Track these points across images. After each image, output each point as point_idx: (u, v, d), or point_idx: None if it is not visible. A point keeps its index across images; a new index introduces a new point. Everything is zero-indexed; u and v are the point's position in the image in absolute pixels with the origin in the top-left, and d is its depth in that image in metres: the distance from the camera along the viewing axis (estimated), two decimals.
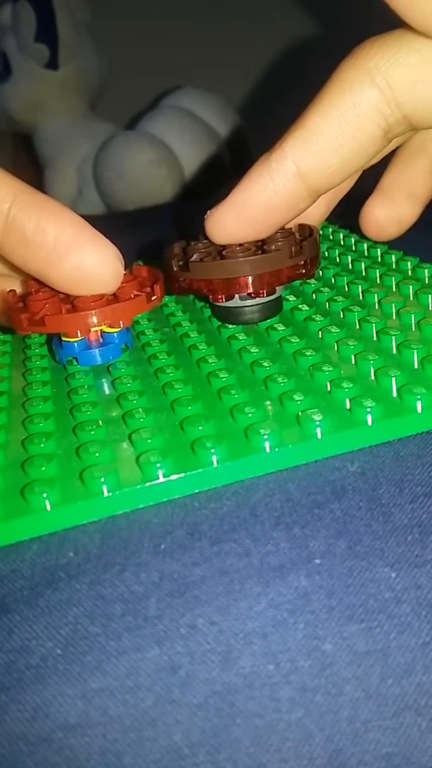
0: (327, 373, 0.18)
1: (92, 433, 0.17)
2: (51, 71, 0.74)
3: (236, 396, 0.18)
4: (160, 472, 0.15)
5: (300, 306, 0.23)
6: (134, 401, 0.18)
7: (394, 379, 0.17)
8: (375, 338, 0.20)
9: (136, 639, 0.13)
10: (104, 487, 0.15)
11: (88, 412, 0.18)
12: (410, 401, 0.16)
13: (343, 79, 0.18)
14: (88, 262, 0.18)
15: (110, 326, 0.19)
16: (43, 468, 0.16)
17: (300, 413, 0.16)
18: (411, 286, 0.23)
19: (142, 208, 0.63)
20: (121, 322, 0.19)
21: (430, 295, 0.22)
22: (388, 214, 0.25)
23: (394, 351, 0.19)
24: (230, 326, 0.22)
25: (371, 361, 0.18)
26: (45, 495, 0.15)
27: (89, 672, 0.13)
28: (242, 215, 0.19)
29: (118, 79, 0.81)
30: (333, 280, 0.26)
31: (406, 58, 0.17)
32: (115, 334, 0.20)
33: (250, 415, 0.17)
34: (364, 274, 0.26)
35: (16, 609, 0.14)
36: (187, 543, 0.15)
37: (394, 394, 0.17)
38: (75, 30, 0.74)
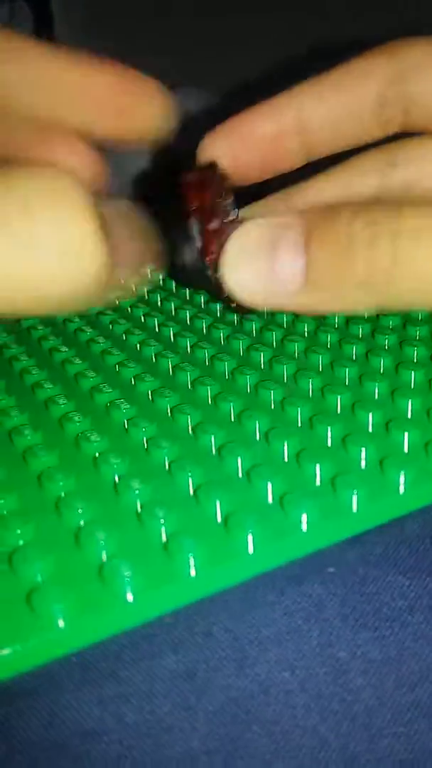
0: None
1: None
2: None
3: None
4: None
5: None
6: None
7: None
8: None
9: (152, 646, 0.13)
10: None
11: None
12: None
13: (368, 52, 0.19)
14: None
15: None
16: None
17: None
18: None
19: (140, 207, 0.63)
20: None
21: None
22: None
23: None
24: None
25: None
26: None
27: (105, 679, 0.13)
28: (236, 134, 0.19)
29: None
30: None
31: (425, 45, 0.18)
32: None
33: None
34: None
35: None
36: None
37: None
38: (72, 29, 0.74)
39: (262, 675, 0.13)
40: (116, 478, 0.16)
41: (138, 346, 0.22)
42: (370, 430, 0.17)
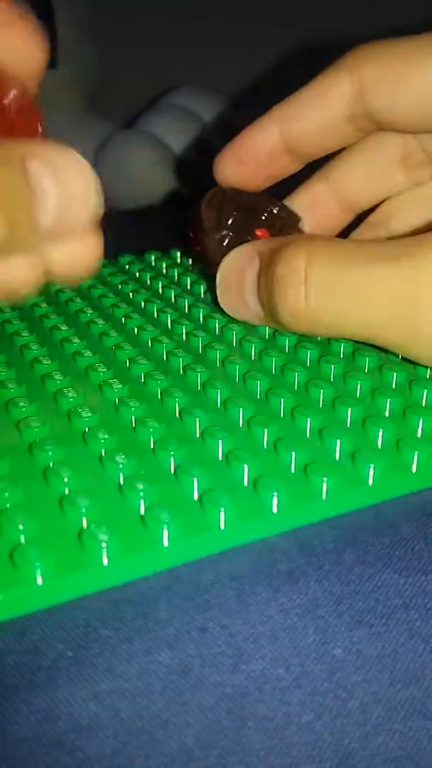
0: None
1: None
2: (50, 70, 0.74)
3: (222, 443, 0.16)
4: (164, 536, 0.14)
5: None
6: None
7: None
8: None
9: (147, 641, 0.13)
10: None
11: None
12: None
13: (333, 66, 0.21)
14: None
15: None
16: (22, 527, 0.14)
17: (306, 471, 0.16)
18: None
19: (141, 207, 0.63)
20: None
21: None
22: None
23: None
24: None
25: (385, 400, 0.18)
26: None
27: (100, 674, 0.13)
28: (237, 158, 0.22)
29: (117, 79, 0.81)
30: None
31: (379, 60, 0.20)
32: None
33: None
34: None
35: None
36: None
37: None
38: (74, 29, 0.74)
39: (257, 671, 0.13)
40: (103, 452, 0.16)
41: (136, 330, 0.23)
42: (348, 425, 0.17)
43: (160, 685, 0.13)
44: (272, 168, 0.23)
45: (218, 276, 0.21)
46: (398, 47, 0.19)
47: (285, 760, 0.12)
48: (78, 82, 0.76)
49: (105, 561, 0.14)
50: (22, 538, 0.14)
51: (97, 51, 0.77)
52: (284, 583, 0.14)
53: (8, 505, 0.15)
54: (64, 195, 0.15)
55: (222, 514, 0.14)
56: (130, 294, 0.26)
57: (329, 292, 0.17)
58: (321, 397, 0.18)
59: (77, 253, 0.16)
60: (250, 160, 0.22)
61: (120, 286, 0.27)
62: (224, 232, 0.22)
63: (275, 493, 0.15)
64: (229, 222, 0.22)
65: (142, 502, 0.15)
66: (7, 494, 0.15)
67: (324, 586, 0.14)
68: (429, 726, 0.12)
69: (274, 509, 0.15)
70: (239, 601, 0.14)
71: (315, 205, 0.24)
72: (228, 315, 0.21)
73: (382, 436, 0.16)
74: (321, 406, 0.18)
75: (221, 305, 0.21)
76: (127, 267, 0.30)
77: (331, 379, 0.19)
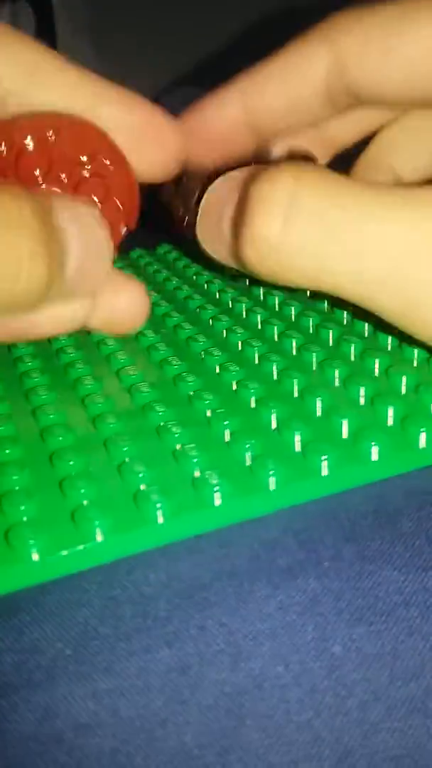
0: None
1: (71, 463, 0.16)
2: None
3: (227, 424, 0.17)
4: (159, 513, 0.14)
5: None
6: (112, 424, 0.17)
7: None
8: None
9: (146, 640, 0.13)
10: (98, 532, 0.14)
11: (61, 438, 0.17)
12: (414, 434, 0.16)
13: (306, 36, 0.19)
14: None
15: None
16: (23, 507, 0.15)
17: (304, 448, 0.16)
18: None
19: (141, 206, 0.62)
20: None
21: None
22: None
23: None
24: None
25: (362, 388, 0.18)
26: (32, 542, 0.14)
27: (99, 672, 0.13)
28: (192, 135, 0.20)
29: (117, 79, 0.81)
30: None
31: (362, 29, 0.18)
32: None
33: (248, 446, 0.16)
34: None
35: (26, 609, 0.14)
36: (196, 546, 0.15)
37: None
38: (74, 29, 0.74)
39: (257, 669, 0.13)
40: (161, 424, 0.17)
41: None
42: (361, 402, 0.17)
43: (159, 684, 0.13)
44: (230, 145, 0.20)
45: (200, 208, 0.18)
46: (378, 15, 0.18)
47: (284, 758, 0.12)
48: None
49: (99, 538, 0.14)
50: (85, 502, 0.15)
51: (97, 52, 0.77)
52: (283, 580, 0.14)
53: (17, 488, 0.15)
54: (85, 250, 0.16)
55: (217, 495, 0.15)
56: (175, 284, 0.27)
57: (314, 226, 0.14)
58: (376, 366, 0.19)
59: (118, 305, 0.17)
60: (206, 135, 0.20)
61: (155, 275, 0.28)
62: (192, 215, 0.20)
63: (324, 458, 0.15)
64: (194, 202, 0.20)
65: (142, 486, 0.15)
66: (15, 477, 0.16)
67: (323, 582, 0.14)
68: (429, 724, 0.12)
69: (324, 472, 0.15)
70: (238, 598, 0.14)
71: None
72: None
73: None
74: (377, 374, 0.19)
75: (200, 242, 0.18)
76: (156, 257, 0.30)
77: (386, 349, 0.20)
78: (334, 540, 0.14)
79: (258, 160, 0.21)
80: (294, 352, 0.20)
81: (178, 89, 0.75)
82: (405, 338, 0.19)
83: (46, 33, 0.72)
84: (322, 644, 0.13)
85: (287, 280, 0.15)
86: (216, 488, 0.14)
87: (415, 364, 0.19)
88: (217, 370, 0.20)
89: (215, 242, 0.18)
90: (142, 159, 0.18)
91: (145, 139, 0.18)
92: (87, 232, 0.16)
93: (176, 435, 0.16)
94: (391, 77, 0.18)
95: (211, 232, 0.18)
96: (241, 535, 0.15)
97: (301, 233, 0.14)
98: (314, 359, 0.19)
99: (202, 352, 0.20)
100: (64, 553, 0.14)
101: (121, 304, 0.18)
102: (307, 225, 0.14)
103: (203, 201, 0.18)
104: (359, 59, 0.18)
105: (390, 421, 0.16)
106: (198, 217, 0.18)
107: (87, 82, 0.17)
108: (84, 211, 0.16)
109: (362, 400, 0.17)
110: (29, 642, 0.13)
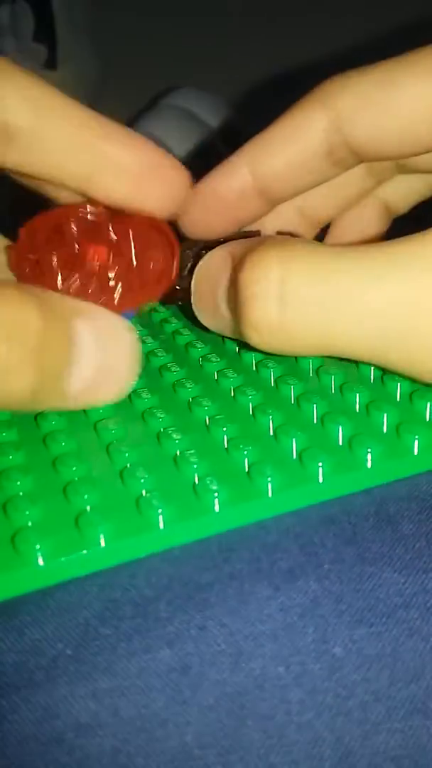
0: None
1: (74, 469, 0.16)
2: (49, 71, 0.74)
3: (226, 431, 0.17)
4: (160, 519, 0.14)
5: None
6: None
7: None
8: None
9: (147, 640, 0.13)
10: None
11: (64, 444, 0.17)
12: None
13: (303, 101, 0.20)
14: None
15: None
16: (27, 512, 0.15)
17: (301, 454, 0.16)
18: None
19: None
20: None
21: None
22: None
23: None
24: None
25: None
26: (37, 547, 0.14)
27: (100, 672, 0.13)
28: (204, 205, 0.20)
29: (116, 79, 0.81)
30: None
31: (356, 88, 0.19)
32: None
33: (245, 452, 0.16)
34: None
35: (27, 610, 0.14)
36: (197, 550, 0.15)
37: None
38: (73, 30, 0.74)
39: (257, 670, 0.13)
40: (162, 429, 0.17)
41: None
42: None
43: (159, 684, 0.13)
44: (241, 212, 0.21)
45: (192, 283, 0.19)
46: (369, 74, 0.18)
47: (285, 759, 0.12)
48: (78, 83, 0.76)
49: (102, 543, 0.14)
50: (88, 507, 0.15)
51: (97, 52, 0.77)
52: (284, 581, 0.14)
53: (21, 493, 0.15)
54: (101, 360, 0.16)
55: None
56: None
57: (310, 303, 0.14)
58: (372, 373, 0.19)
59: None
60: (218, 204, 0.20)
61: None
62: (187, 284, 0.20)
63: (320, 464, 0.15)
64: (186, 271, 0.20)
65: (143, 491, 0.15)
66: (18, 483, 0.16)
67: (324, 584, 0.14)
68: (429, 725, 0.12)
69: (320, 479, 0.15)
70: (239, 599, 0.14)
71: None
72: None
73: None
74: (371, 381, 0.18)
75: (196, 314, 0.19)
76: None
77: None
78: (334, 542, 0.14)
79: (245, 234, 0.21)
80: (290, 360, 0.20)
81: (179, 90, 0.75)
82: None
83: (46, 33, 0.72)
84: (323, 645, 0.13)
85: (294, 353, 0.16)
86: (216, 494, 0.15)
87: None
88: (215, 377, 0.20)
89: (214, 318, 0.18)
90: (149, 196, 0.18)
91: (152, 176, 0.18)
92: (107, 343, 0.16)
93: (176, 441, 0.16)
94: (391, 131, 0.19)
95: (207, 307, 0.18)
96: (242, 539, 0.15)
97: (298, 312, 0.14)
98: (311, 366, 0.19)
99: (200, 359, 0.20)
100: (69, 558, 0.14)
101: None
102: (303, 304, 0.14)
103: (195, 275, 0.19)
104: (354, 117, 0.19)
105: (384, 428, 0.16)
106: (193, 294, 0.19)
107: (92, 120, 0.18)
108: (108, 323, 0.16)
109: (357, 407, 0.17)
110: (30, 642, 0.13)
